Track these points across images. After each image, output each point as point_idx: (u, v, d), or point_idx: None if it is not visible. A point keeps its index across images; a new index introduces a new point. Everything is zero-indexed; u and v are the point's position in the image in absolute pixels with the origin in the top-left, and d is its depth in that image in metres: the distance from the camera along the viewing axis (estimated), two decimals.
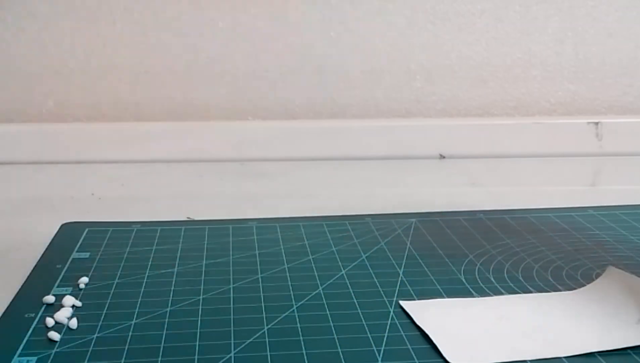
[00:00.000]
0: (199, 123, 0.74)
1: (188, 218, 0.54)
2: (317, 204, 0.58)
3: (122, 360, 0.34)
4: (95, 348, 0.35)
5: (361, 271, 0.44)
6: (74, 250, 0.47)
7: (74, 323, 0.37)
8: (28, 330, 0.37)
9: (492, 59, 0.76)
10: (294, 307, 0.39)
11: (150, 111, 0.75)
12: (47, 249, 0.48)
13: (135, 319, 0.38)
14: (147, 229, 0.51)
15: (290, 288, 0.42)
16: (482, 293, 0.41)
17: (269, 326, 0.37)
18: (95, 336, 0.36)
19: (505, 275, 0.43)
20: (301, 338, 0.36)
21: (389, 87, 0.76)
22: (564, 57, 0.77)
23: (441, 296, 0.41)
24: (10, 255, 0.48)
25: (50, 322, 0.37)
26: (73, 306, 0.39)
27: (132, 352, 0.35)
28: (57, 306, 0.39)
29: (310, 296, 0.41)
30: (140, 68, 0.74)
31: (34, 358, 0.34)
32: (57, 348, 0.35)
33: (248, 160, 0.72)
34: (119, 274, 0.44)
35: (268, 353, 0.35)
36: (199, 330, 0.37)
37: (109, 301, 0.40)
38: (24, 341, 0.36)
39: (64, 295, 0.40)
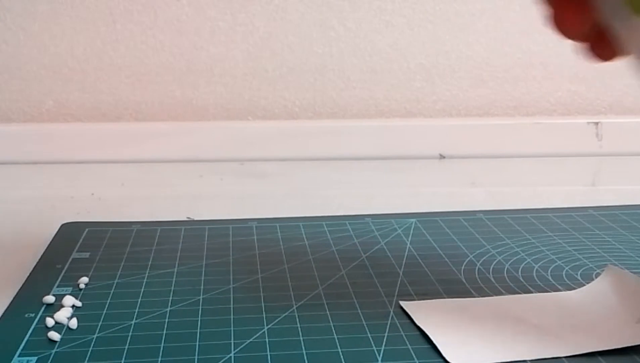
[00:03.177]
0: (199, 123, 0.74)
1: (188, 218, 0.54)
2: (317, 204, 0.58)
3: (122, 360, 0.34)
4: (95, 348, 0.35)
5: (361, 271, 0.44)
6: (74, 250, 0.47)
7: (74, 323, 0.37)
8: (28, 330, 0.37)
9: (492, 59, 0.76)
10: (294, 307, 0.39)
11: (150, 111, 0.75)
12: (47, 249, 0.48)
13: (135, 319, 0.38)
14: (147, 229, 0.51)
15: (290, 288, 0.42)
16: (482, 293, 0.41)
17: (269, 326, 0.37)
18: (95, 336, 0.36)
19: (505, 275, 0.43)
20: (301, 338, 0.36)
21: (388, 87, 0.76)
22: (564, 57, 0.77)
23: (441, 296, 0.40)
24: (10, 255, 0.48)
25: (50, 322, 0.37)
26: (73, 306, 0.39)
27: (132, 352, 0.35)
28: (57, 306, 0.39)
29: (310, 296, 0.41)
30: (140, 68, 0.74)
31: (34, 358, 0.34)
32: (57, 348, 0.35)
33: (248, 160, 0.72)
34: (119, 274, 0.44)
35: (268, 353, 0.35)
36: (199, 330, 0.37)
37: (109, 301, 0.40)
38: (24, 341, 0.36)
39: (64, 295, 0.40)
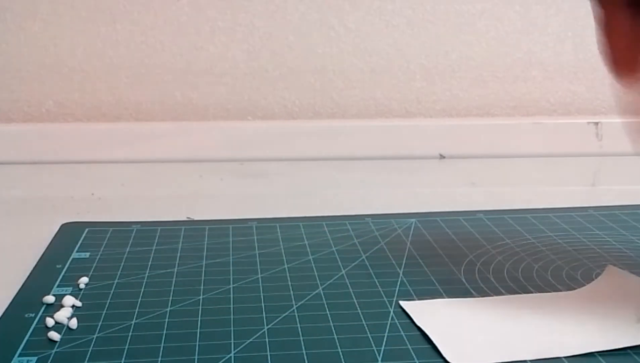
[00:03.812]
0: (199, 123, 0.74)
1: (188, 218, 0.54)
2: (317, 204, 0.58)
3: (122, 360, 0.34)
4: (95, 348, 0.35)
5: (361, 271, 0.44)
6: (74, 250, 0.47)
7: (74, 323, 0.37)
8: (28, 330, 0.37)
9: (492, 59, 0.76)
10: (294, 307, 0.39)
11: (150, 111, 0.75)
12: (47, 249, 0.48)
13: (135, 319, 0.38)
14: (147, 229, 0.51)
15: (290, 288, 0.42)
16: (482, 293, 0.41)
17: (269, 326, 0.37)
18: (95, 336, 0.36)
19: (505, 275, 0.43)
20: (301, 338, 0.36)
21: (389, 87, 0.76)
22: (564, 57, 0.77)
23: (441, 296, 0.41)
24: (10, 255, 0.48)
25: (50, 322, 0.37)
26: (73, 306, 0.39)
27: (132, 352, 0.35)
28: (57, 306, 0.39)
29: (310, 296, 0.41)
30: (140, 68, 0.74)
31: (34, 358, 0.34)
32: (57, 348, 0.35)
33: (248, 160, 0.72)
34: (119, 274, 0.44)
35: (268, 353, 0.35)
36: (199, 330, 0.37)
37: (109, 301, 0.40)
38: (24, 341, 0.36)
39: (64, 295, 0.40)
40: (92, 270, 0.44)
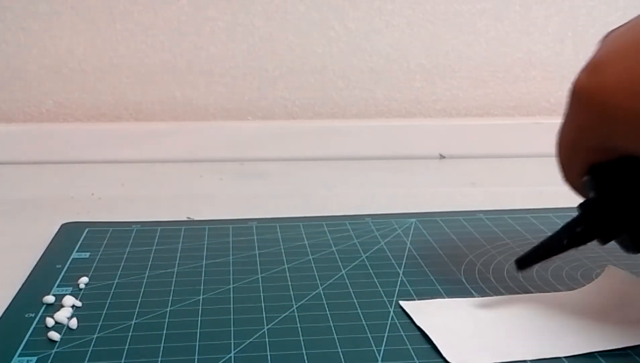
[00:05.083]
0: (199, 123, 0.74)
1: (188, 218, 0.54)
2: (317, 204, 0.58)
3: (122, 360, 0.34)
4: (95, 348, 0.35)
5: (361, 271, 0.44)
6: (74, 250, 0.47)
7: (74, 323, 0.37)
8: (28, 330, 0.37)
9: (492, 59, 0.76)
10: (294, 307, 0.39)
11: (150, 111, 0.75)
12: (47, 249, 0.48)
13: (135, 319, 0.38)
14: (147, 229, 0.51)
15: (290, 288, 0.42)
16: (482, 293, 0.41)
17: (269, 326, 0.37)
18: (95, 336, 0.36)
19: (505, 275, 0.43)
20: (301, 338, 0.36)
21: (388, 87, 0.76)
22: (564, 57, 0.77)
23: (441, 296, 0.41)
24: (10, 255, 0.48)
25: (50, 322, 0.37)
26: (73, 306, 0.39)
27: (132, 352, 0.35)
28: (57, 306, 0.39)
29: (310, 296, 0.41)
30: (140, 68, 0.74)
31: (34, 358, 0.34)
32: (57, 348, 0.35)
33: (248, 160, 0.72)
34: (119, 274, 0.44)
35: (268, 353, 0.35)
36: (199, 330, 0.37)
37: (109, 301, 0.40)
38: (24, 341, 0.36)
39: (64, 295, 0.40)
40: (92, 270, 0.44)
